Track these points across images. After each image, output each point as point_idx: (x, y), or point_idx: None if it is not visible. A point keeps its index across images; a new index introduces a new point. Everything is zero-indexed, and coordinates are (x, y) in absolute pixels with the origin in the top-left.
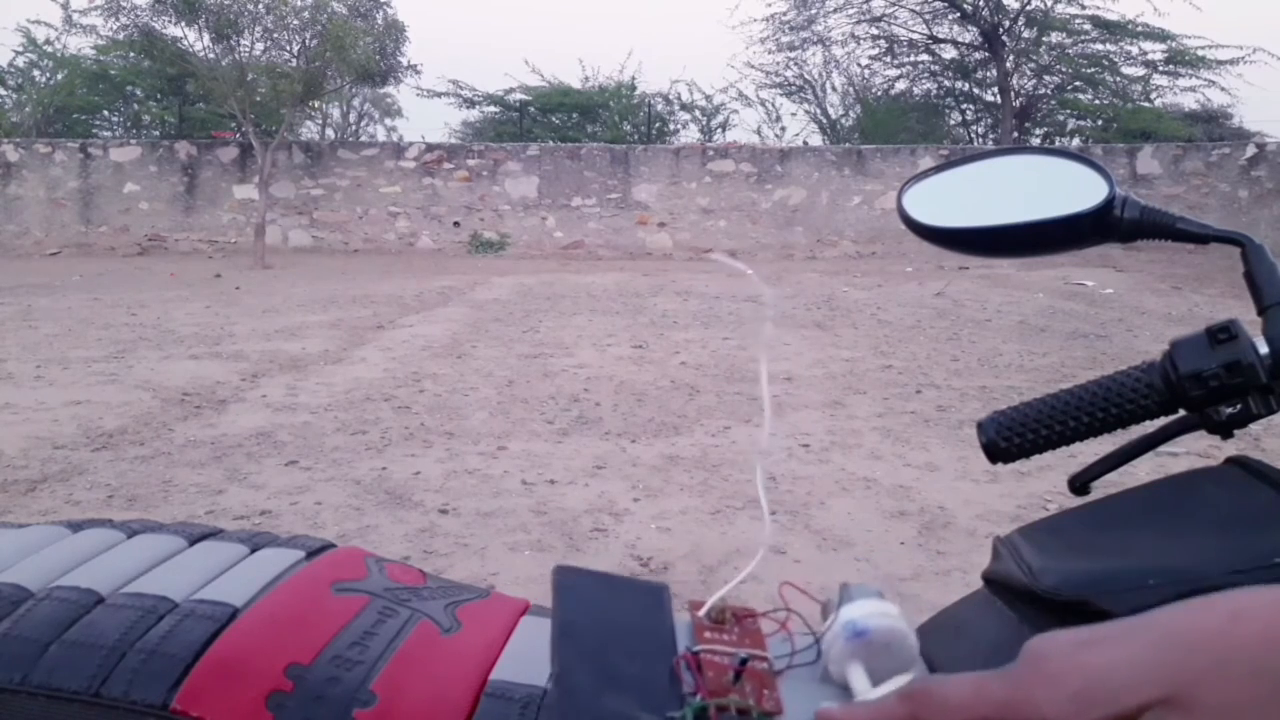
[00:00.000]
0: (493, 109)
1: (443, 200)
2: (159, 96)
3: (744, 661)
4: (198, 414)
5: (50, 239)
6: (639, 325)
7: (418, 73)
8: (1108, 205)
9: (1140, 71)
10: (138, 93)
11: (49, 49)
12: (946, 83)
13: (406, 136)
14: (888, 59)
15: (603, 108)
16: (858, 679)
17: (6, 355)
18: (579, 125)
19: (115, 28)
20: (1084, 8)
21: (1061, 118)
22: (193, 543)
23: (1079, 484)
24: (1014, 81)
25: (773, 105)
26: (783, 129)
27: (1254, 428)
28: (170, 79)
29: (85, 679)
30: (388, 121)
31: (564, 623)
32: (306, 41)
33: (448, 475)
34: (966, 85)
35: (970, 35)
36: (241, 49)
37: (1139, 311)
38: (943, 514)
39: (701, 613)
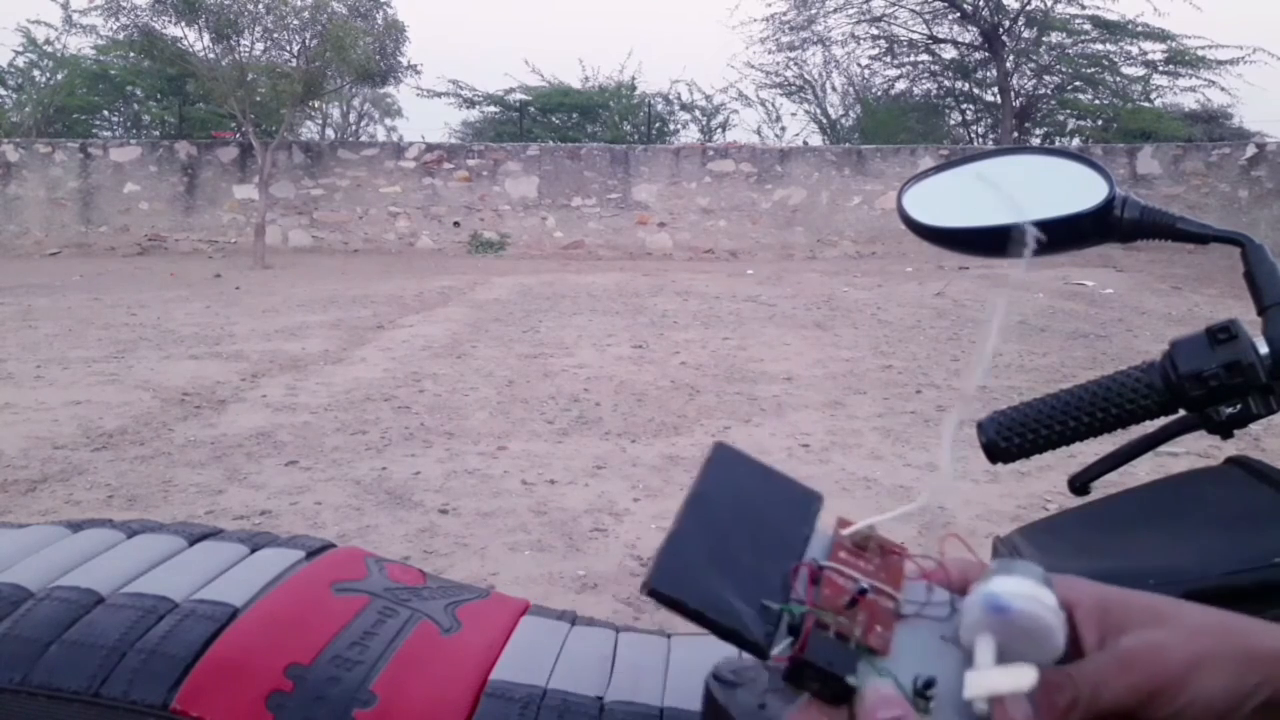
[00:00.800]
0: (493, 109)
1: (443, 200)
2: (159, 96)
3: (863, 591)
4: (198, 414)
5: (50, 239)
6: (639, 325)
7: (417, 73)
8: (1108, 205)
9: (1140, 71)
10: (138, 93)
11: (49, 49)
12: (946, 83)
13: (406, 136)
14: (888, 59)
15: (603, 108)
16: (983, 652)
17: (7, 355)
18: (579, 125)
19: (115, 28)
20: (1084, 8)
21: (1061, 118)
22: (193, 543)
23: (1079, 484)
24: (1014, 81)
25: (773, 105)
26: (783, 129)
27: (1254, 428)
28: (170, 79)
29: (85, 679)
30: (388, 121)
31: (699, 493)
32: (306, 41)
33: (448, 475)
34: (966, 85)
35: (970, 35)
36: (241, 49)
37: (1139, 311)
38: (943, 514)
39: (846, 533)
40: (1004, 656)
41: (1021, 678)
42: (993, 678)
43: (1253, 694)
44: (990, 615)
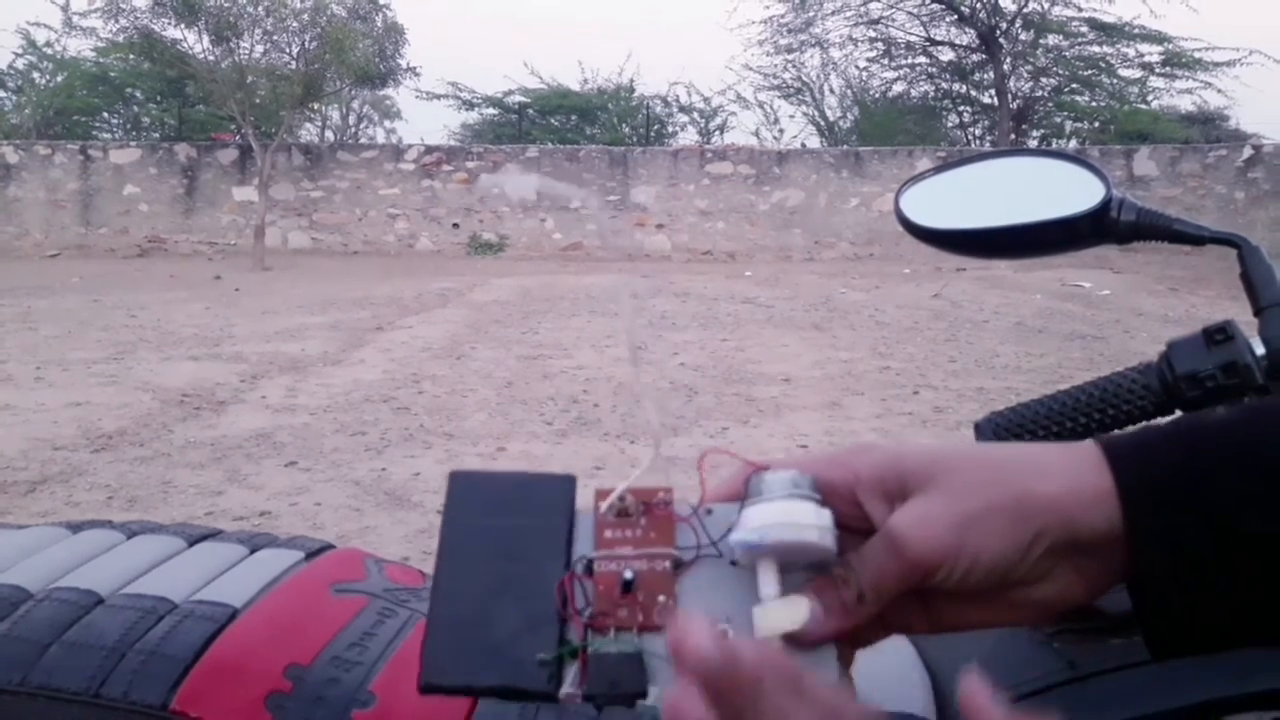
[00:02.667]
0: (492, 111)
1: (442, 202)
2: (159, 99)
3: (628, 584)
4: (197, 415)
5: (50, 241)
6: (637, 326)
7: (417, 75)
8: (1105, 207)
9: (1137, 74)
10: (137, 95)
11: (49, 51)
12: (944, 85)
13: (406, 139)
14: (885, 61)
15: (601, 110)
16: (766, 580)
17: (6, 357)
18: (578, 127)
19: (115, 30)
20: (1081, 10)
21: (1059, 120)
22: (192, 544)
23: None
24: (1011, 84)
25: (771, 107)
26: (781, 131)
27: None
28: (170, 81)
29: (85, 680)
30: (387, 124)
31: (446, 551)
32: (306, 44)
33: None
34: (964, 87)
35: (967, 38)
36: (241, 51)
37: (1136, 313)
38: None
39: (604, 506)
40: (787, 572)
41: (796, 612)
42: (773, 616)
43: (1034, 542)
44: (749, 553)
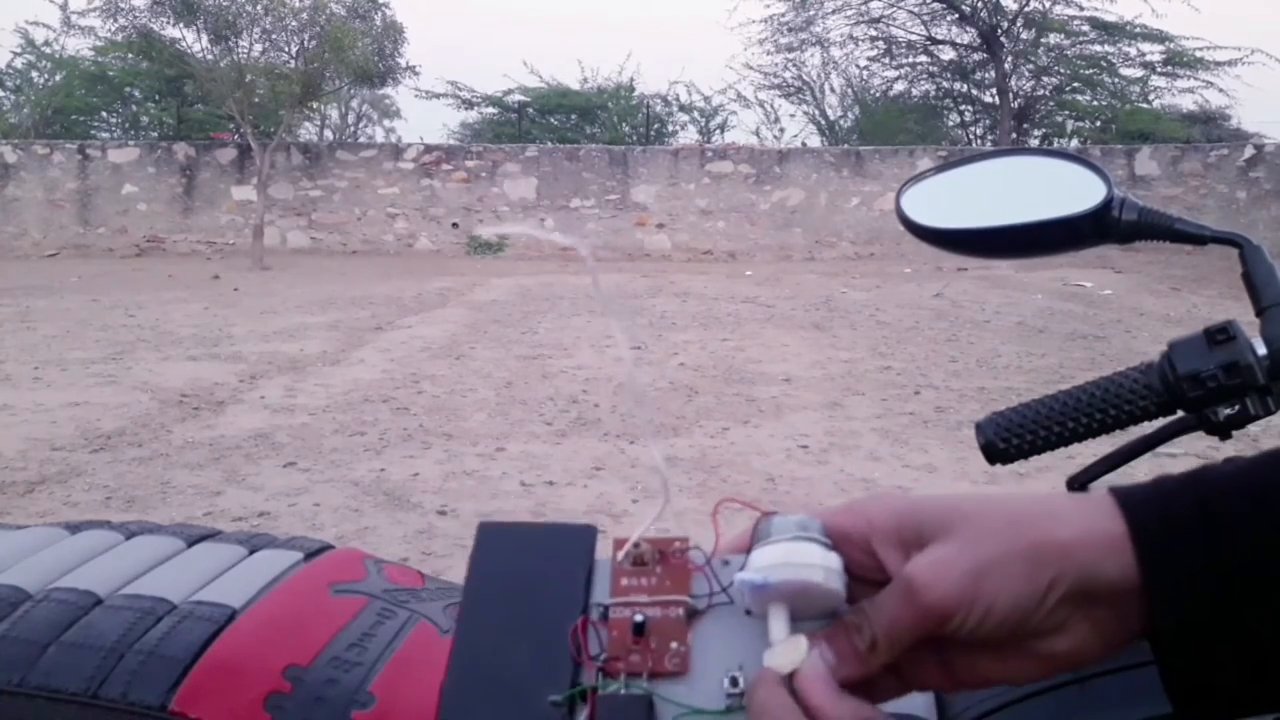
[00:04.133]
0: (491, 110)
1: (441, 201)
2: (157, 98)
3: (639, 628)
4: (196, 415)
5: (48, 240)
6: (637, 326)
7: (416, 74)
8: (1106, 206)
9: (1138, 73)
10: (136, 94)
11: (47, 50)
12: (945, 84)
13: (405, 138)
14: (886, 60)
15: (601, 109)
16: (776, 624)
17: (5, 357)
18: (578, 126)
19: (114, 29)
20: (1082, 9)
21: (1060, 119)
22: (191, 544)
23: (1078, 485)
24: (1012, 83)
25: (771, 106)
26: (781, 130)
27: (1252, 428)
28: (169, 80)
29: (83, 680)
30: (386, 123)
31: (474, 584)
32: (305, 43)
33: (446, 476)
34: (965, 86)
35: (968, 36)
36: (240, 50)
37: (1137, 312)
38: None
39: (620, 555)
40: (798, 616)
41: (795, 651)
42: (776, 658)
43: (1050, 590)
44: (756, 595)
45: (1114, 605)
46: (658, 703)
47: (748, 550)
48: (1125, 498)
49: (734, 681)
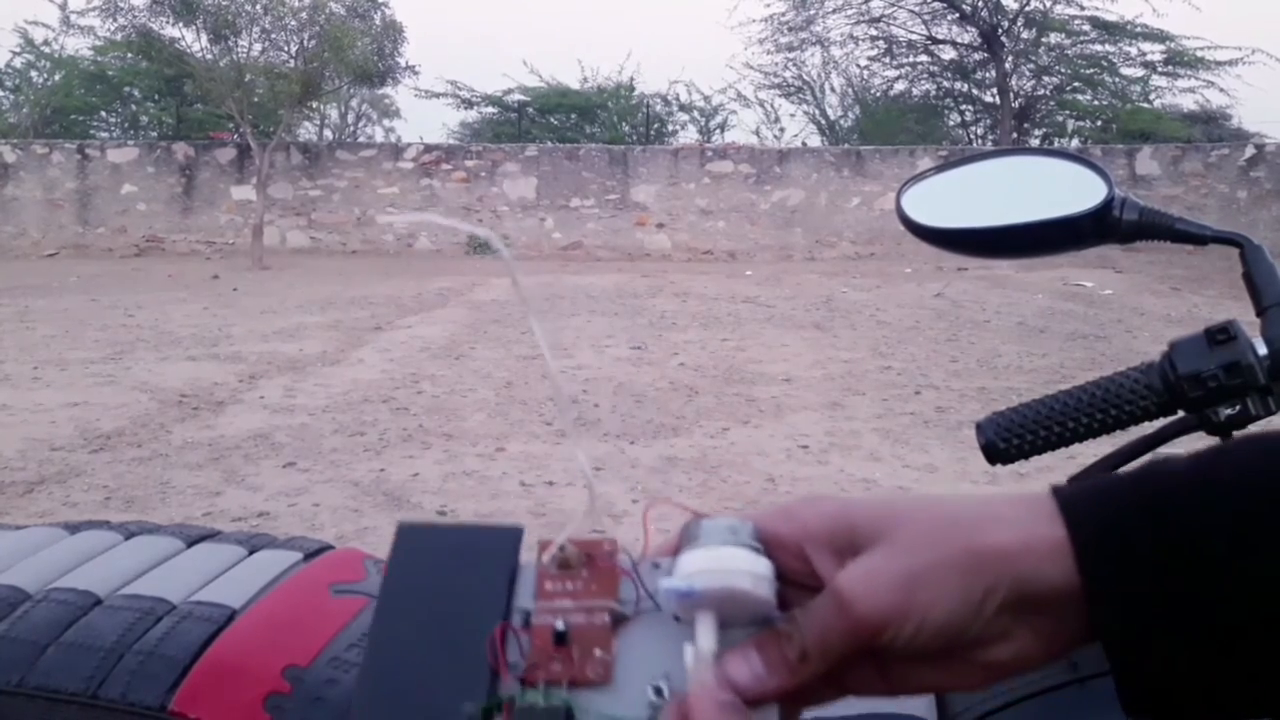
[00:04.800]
0: (491, 110)
1: (441, 201)
2: (156, 97)
3: (560, 636)
4: (195, 415)
5: (47, 240)
6: (637, 326)
7: (416, 73)
8: (1107, 206)
9: (1139, 72)
10: (135, 94)
11: (46, 50)
12: (945, 83)
13: (404, 137)
14: (886, 60)
15: (601, 108)
16: (704, 631)
17: (4, 357)
18: (577, 126)
19: (113, 28)
20: (1083, 9)
21: (1060, 118)
22: (190, 544)
23: None
24: (1013, 82)
25: (771, 106)
26: (781, 130)
27: (1253, 429)
28: (168, 80)
29: (83, 681)
30: (386, 122)
31: (390, 591)
32: (304, 42)
33: (446, 477)
34: (965, 86)
35: (969, 36)
36: (239, 50)
37: (1138, 312)
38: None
39: (545, 557)
40: (727, 624)
41: (698, 661)
42: (690, 668)
43: (985, 598)
44: (683, 601)
45: (1056, 612)
46: (577, 714)
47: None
48: (1066, 500)
49: (658, 691)
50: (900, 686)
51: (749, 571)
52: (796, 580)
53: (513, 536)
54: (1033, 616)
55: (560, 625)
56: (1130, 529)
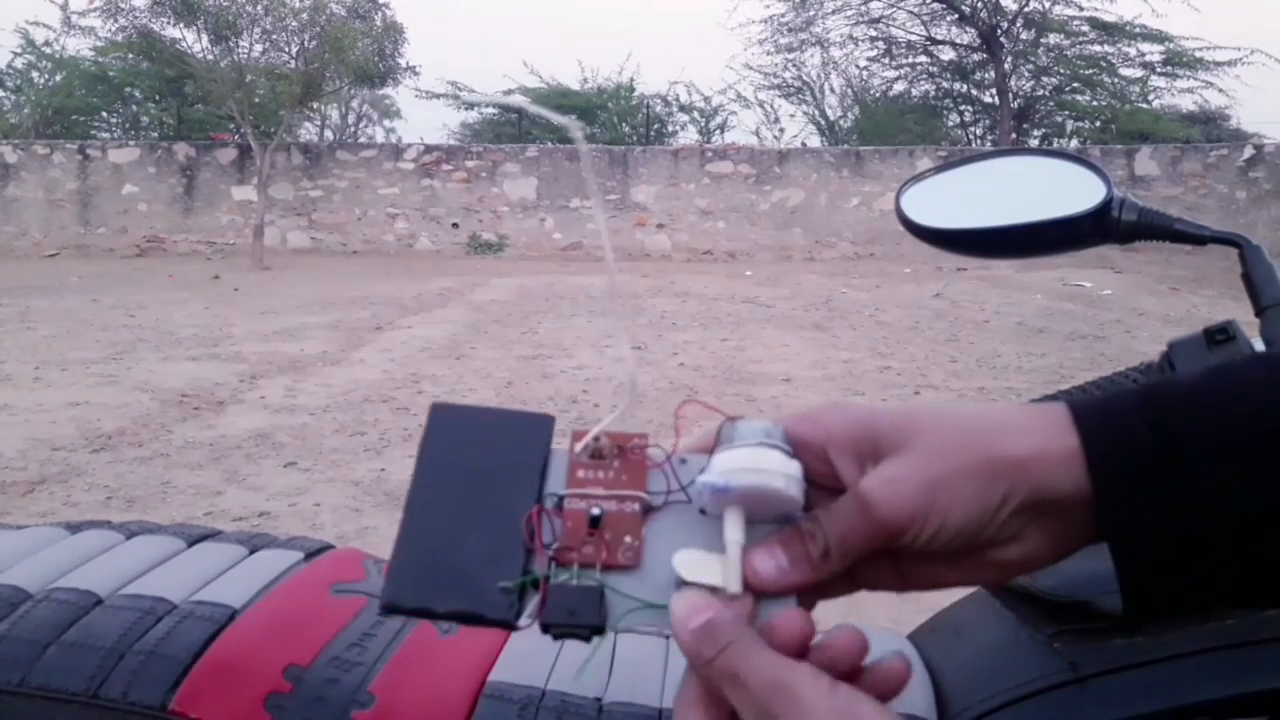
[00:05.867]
0: (491, 110)
1: (441, 202)
2: (157, 98)
3: (595, 520)
4: (196, 415)
5: (49, 240)
6: (637, 326)
7: (416, 74)
8: (1106, 206)
9: (1138, 73)
10: (136, 94)
11: (47, 50)
12: (945, 84)
13: (405, 138)
14: (886, 60)
15: (601, 109)
16: (732, 526)
17: (5, 357)
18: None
19: (114, 29)
20: (1082, 9)
21: (1060, 119)
22: (191, 544)
23: None
24: (1012, 83)
25: (771, 107)
26: (781, 130)
27: None
28: (169, 80)
29: (83, 680)
30: (386, 123)
31: (421, 478)
32: (305, 43)
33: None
34: (964, 87)
35: (968, 37)
36: (240, 50)
37: (1137, 313)
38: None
39: (579, 446)
40: (753, 520)
41: (707, 571)
42: (688, 567)
43: (1002, 504)
44: (716, 497)
45: (1066, 516)
46: (608, 594)
47: (710, 452)
48: (1079, 413)
49: (680, 582)
50: (913, 583)
51: (782, 472)
52: (819, 481)
53: (545, 424)
54: (1044, 519)
55: (596, 510)
56: (1138, 443)
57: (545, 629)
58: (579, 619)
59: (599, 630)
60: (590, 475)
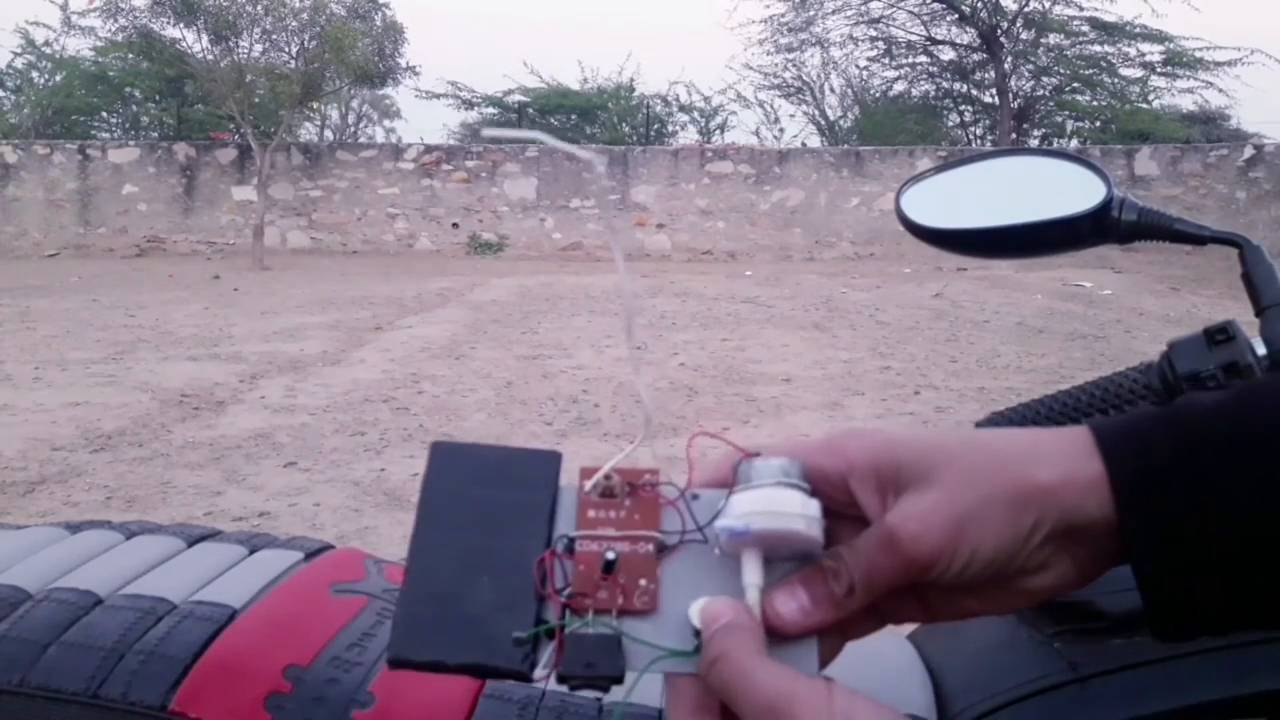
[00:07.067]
0: (491, 110)
1: (441, 202)
2: (157, 98)
3: (609, 564)
4: (196, 415)
5: (49, 240)
6: (637, 326)
7: (416, 74)
8: (1105, 206)
9: (1138, 73)
10: (136, 94)
11: (47, 50)
12: (945, 84)
13: (405, 138)
14: (886, 60)
15: (601, 109)
16: (750, 568)
17: (5, 357)
18: (578, 127)
19: (114, 29)
20: (1082, 9)
21: (1060, 119)
22: (191, 544)
23: None
24: (1012, 83)
25: (771, 107)
26: (781, 130)
27: None
28: (169, 80)
29: (84, 680)
30: (386, 123)
31: (428, 507)
32: (305, 43)
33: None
34: (964, 87)
35: (968, 37)
36: (240, 50)
37: (1137, 313)
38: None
39: (589, 485)
40: (772, 558)
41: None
42: (750, 602)
43: (1032, 533)
44: (734, 541)
45: (1094, 541)
46: (626, 642)
47: (726, 487)
48: (1103, 437)
49: (697, 631)
50: (941, 615)
51: (802, 514)
52: (838, 511)
53: (552, 460)
54: (1072, 546)
55: (611, 554)
56: (1163, 468)
57: (562, 680)
58: (597, 670)
59: (618, 680)
60: (601, 515)
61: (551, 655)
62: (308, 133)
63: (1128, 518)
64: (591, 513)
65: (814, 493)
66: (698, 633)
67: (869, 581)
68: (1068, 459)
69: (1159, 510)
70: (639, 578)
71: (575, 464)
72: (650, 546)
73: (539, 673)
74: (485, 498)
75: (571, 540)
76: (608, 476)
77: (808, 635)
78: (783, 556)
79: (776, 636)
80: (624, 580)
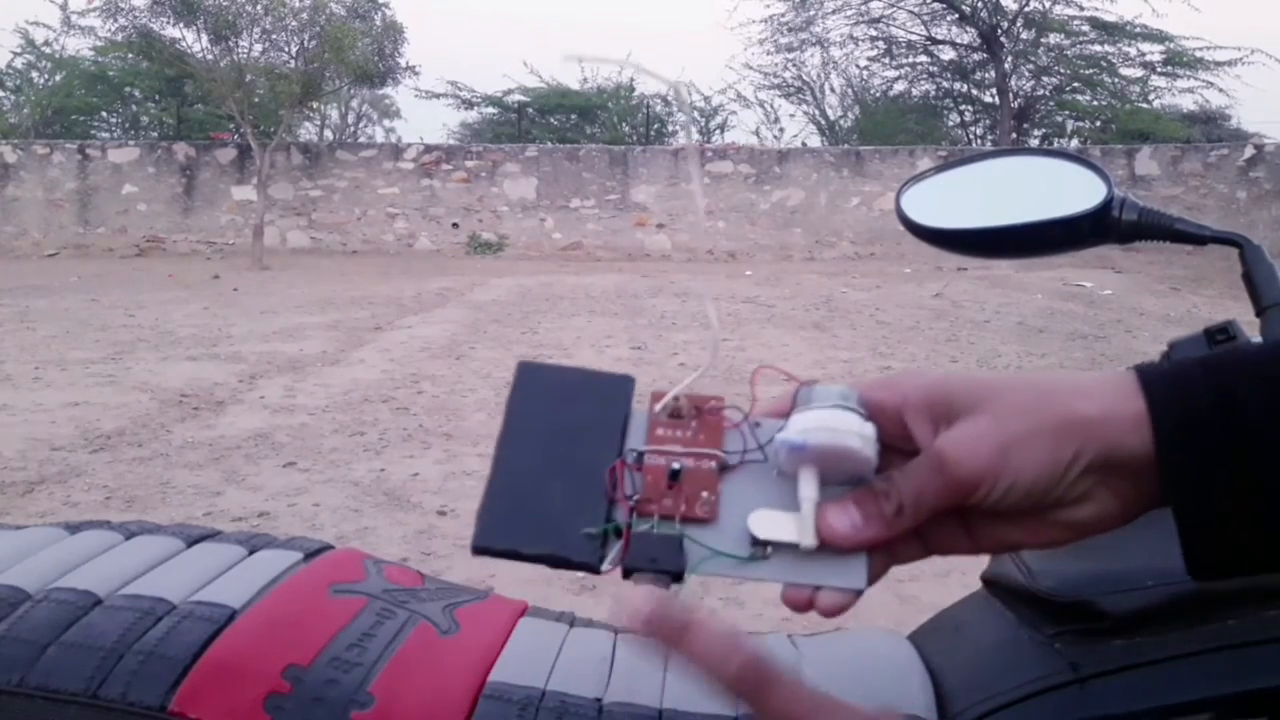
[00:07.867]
0: (491, 110)
1: (441, 201)
2: (157, 98)
3: (675, 473)
4: (196, 415)
5: (48, 240)
6: (637, 326)
7: (416, 74)
8: (1106, 206)
9: (1138, 73)
10: (136, 94)
11: (47, 50)
12: (945, 84)
13: (405, 138)
14: (886, 60)
15: (601, 109)
16: (806, 484)
17: (4, 357)
18: (577, 126)
19: (114, 29)
20: (1082, 9)
21: (1060, 119)
22: (190, 544)
23: None
24: (1012, 83)
25: (771, 107)
26: (781, 130)
27: None
28: (169, 80)
29: (83, 681)
30: (386, 123)
31: (508, 429)
32: (305, 43)
33: (446, 476)
34: (965, 86)
35: (968, 36)
36: (240, 50)
37: (1137, 312)
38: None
39: (659, 407)
40: (827, 480)
41: (783, 529)
42: (763, 526)
43: (1073, 463)
44: (793, 455)
45: (1134, 477)
46: (687, 544)
47: (786, 414)
48: (1146, 377)
49: (755, 540)
50: (984, 544)
51: (858, 433)
52: (892, 444)
53: (626, 384)
54: (1113, 480)
55: (676, 465)
56: (1203, 409)
57: (627, 574)
58: (660, 565)
59: (678, 576)
60: (669, 433)
61: (618, 552)
62: (307, 132)
63: (1167, 455)
64: (660, 431)
65: (869, 419)
66: (754, 541)
67: (918, 502)
68: (1110, 395)
69: (1198, 450)
70: (701, 489)
71: (646, 392)
72: (713, 463)
73: (606, 565)
74: (564, 413)
75: (641, 454)
76: (676, 399)
77: (858, 549)
78: (837, 480)
79: (829, 549)
80: (688, 490)
